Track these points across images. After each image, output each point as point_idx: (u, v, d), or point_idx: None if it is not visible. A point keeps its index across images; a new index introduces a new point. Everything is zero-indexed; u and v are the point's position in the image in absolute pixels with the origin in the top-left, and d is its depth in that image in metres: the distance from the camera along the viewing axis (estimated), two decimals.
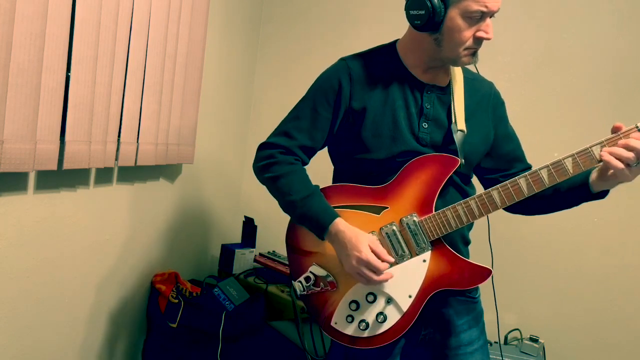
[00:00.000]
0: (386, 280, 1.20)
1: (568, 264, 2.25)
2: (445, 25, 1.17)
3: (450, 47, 1.20)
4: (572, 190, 1.23)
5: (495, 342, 2.13)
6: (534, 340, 2.16)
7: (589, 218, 2.19)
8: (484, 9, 1.14)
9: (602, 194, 1.21)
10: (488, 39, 1.18)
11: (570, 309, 2.25)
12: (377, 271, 1.18)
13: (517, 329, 2.25)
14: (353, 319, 1.25)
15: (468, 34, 1.17)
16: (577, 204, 1.27)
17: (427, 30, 1.20)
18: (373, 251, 1.18)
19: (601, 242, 2.20)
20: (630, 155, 1.07)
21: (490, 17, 1.18)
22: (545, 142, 2.14)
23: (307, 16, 2.76)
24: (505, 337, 2.26)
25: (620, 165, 1.08)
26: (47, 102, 1.45)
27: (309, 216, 1.24)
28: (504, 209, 1.28)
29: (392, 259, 1.21)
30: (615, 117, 2.14)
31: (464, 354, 1.32)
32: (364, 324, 1.24)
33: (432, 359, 1.34)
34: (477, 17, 1.15)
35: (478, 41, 1.19)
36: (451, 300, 1.33)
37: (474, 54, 1.22)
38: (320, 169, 1.44)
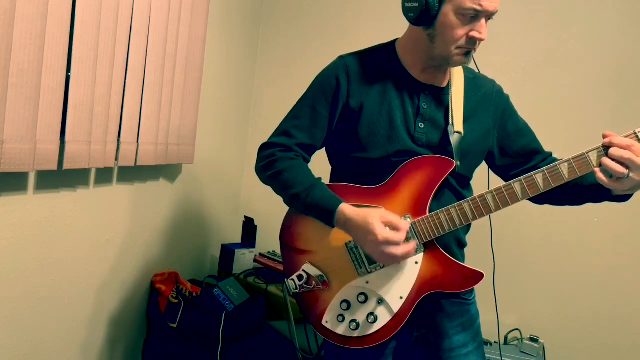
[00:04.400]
0: (409, 252, 1.15)
1: (568, 264, 2.25)
2: (439, 20, 1.16)
3: (443, 45, 1.18)
4: (594, 187, 1.19)
5: (496, 342, 2.14)
6: (534, 340, 2.16)
7: (589, 218, 2.19)
8: (478, 8, 1.12)
9: (625, 197, 1.17)
10: (481, 39, 1.16)
11: (570, 309, 2.25)
12: (397, 243, 1.12)
13: (517, 329, 2.25)
14: (344, 319, 1.25)
15: (461, 32, 1.15)
16: (601, 201, 1.23)
17: (421, 25, 1.19)
18: (386, 224, 1.13)
19: (601, 242, 2.20)
20: (620, 168, 1.05)
21: (488, 18, 1.16)
22: (545, 142, 2.14)
23: (307, 16, 2.76)
24: (505, 337, 2.26)
25: (606, 179, 1.06)
26: (47, 102, 1.45)
27: (314, 206, 1.22)
28: (530, 200, 1.24)
29: (406, 225, 1.15)
30: (615, 118, 2.16)
31: (457, 356, 1.31)
32: (354, 323, 1.24)
33: None
34: (471, 16, 1.13)
35: (471, 41, 1.16)
36: (444, 303, 1.32)
37: (467, 54, 1.19)
38: (319, 168, 1.44)
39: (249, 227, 2.50)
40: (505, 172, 1.37)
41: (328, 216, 1.20)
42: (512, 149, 1.34)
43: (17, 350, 1.57)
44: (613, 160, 1.06)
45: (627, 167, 1.05)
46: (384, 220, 1.14)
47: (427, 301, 1.23)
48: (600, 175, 1.07)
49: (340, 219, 1.18)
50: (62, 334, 1.75)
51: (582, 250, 2.23)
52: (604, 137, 1.09)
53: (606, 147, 1.08)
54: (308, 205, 1.23)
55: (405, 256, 1.16)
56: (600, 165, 1.08)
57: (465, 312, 1.34)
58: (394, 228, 1.13)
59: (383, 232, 1.12)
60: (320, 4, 2.73)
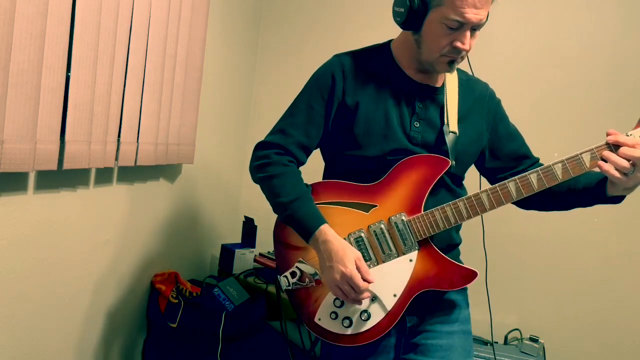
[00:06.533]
0: (361, 302, 1.19)
1: (568, 264, 2.25)
2: (424, 27, 1.18)
3: (428, 51, 1.20)
4: (587, 190, 1.22)
5: (496, 342, 2.14)
6: (534, 340, 2.16)
7: (588, 218, 2.19)
8: (461, 19, 1.12)
9: (617, 199, 1.19)
10: (464, 50, 1.17)
11: (571, 309, 2.25)
12: (357, 290, 1.16)
13: (517, 329, 2.25)
14: (337, 316, 1.25)
15: (444, 41, 1.17)
16: (592, 204, 1.24)
17: (407, 29, 1.22)
18: (358, 268, 1.17)
19: (601, 242, 2.20)
20: (626, 164, 1.07)
21: (474, 29, 1.17)
22: (545, 142, 2.14)
23: (307, 16, 2.76)
24: (505, 337, 2.26)
25: (617, 174, 1.08)
26: (47, 102, 1.45)
27: (296, 220, 1.24)
28: (517, 205, 1.28)
29: (373, 280, 1.19)
30: (614, 117, 2.16)
31: (440, 332, 1.29)
32: (347, 321, 1.24)
33: (409, 344, 1.31)
34: (455, 26, 1.14)
35: (455, 50, 1.17)
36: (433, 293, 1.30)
37: (450, 63, 1.21)
38: (314, 165, 1.44)
39: (249, 227, 2.50)
40: (493, 175, 1.38)
41: (306, 233, 1.23)
42: (503, 152, 1.36)
43: (17, 350, 1.57)
44: (620, 156, 1.09)
45: (632, 165, 1.08)
46: (358, 263, 1.18)
47: (417, 296, 1.23)
48: (607, 168, 1.09)
49: (319, 238, 1.21)
50: (62, 334, 1.75)
51: (583, 250, 2.23)
52: (608, 134, 1.12)
53: (609, 144, 1.11)
54: (290, 217, 1.25)
55: (356, 301, 1.19)
56: (601, 159, 1.11)
57: (451, 302, 1.33)
58: (362, 276, 1.17)
59: (353, 270, 1.16)
60: (320, 4, 2.73)
